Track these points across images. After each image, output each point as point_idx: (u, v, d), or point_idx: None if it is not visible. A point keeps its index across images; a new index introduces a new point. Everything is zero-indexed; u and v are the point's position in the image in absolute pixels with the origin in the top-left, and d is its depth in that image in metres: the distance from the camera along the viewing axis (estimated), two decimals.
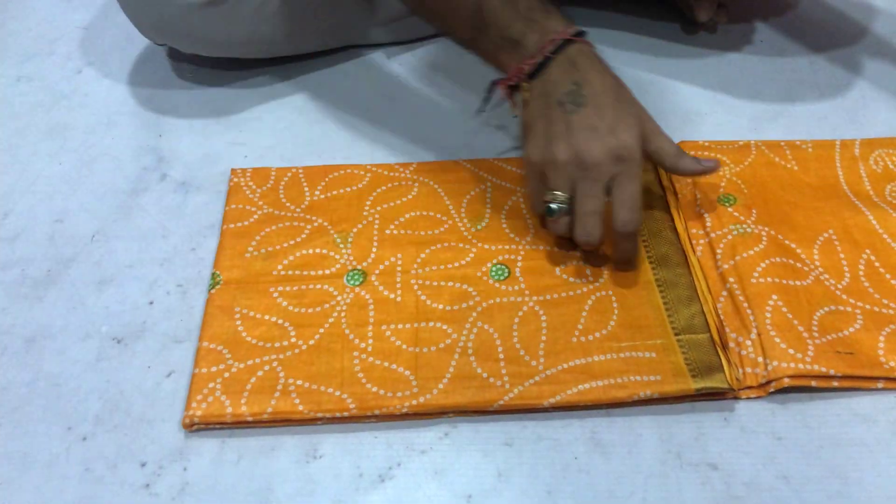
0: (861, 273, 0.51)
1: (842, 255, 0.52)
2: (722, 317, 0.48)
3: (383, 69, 0.69)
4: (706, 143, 0.59)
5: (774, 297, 0.49)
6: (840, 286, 0.50)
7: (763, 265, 0.51)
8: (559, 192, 0.47)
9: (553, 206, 0.47)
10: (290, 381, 0.46)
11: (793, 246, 0.52)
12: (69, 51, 0.72)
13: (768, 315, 0.48)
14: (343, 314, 0.49)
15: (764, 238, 0.53)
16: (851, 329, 0.47)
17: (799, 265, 0.51)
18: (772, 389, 0.45)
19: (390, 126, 0.63)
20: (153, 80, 0.68)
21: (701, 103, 0.65)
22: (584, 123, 0.45)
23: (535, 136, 0.48)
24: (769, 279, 0.50)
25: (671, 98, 0.65)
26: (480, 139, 0.62)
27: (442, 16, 0.52)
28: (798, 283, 0.50)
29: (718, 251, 0.52)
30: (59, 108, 0.66)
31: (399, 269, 0.52)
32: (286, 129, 0.63)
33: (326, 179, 0.57)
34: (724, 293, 0.50)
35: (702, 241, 0.53)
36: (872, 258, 0.52)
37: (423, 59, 0.70)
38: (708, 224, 0.54)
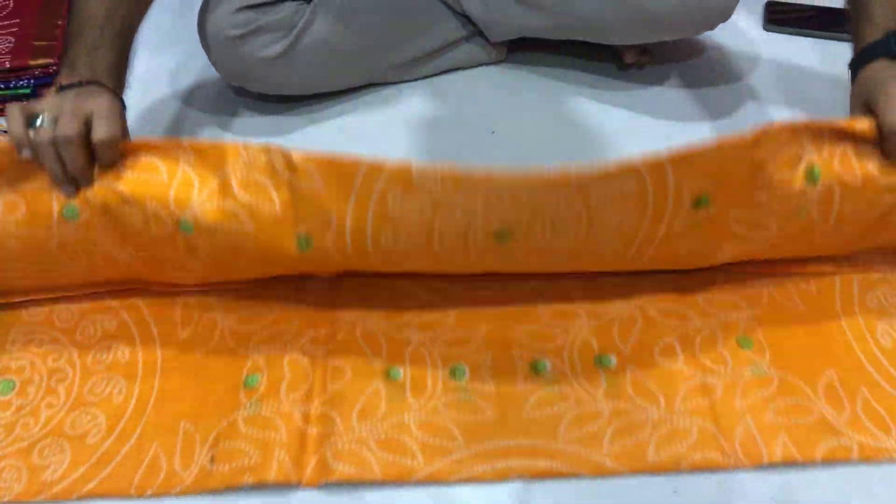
0: (859, 409, 0.58)
1: (842, 394, 0.59)
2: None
3: (393, 99, 0.92)
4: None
5: (783, 434, 0.57)
6: (842, 420, 0.58)
7: (774, 405, 0.59)
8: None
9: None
10: None
11: (800, 384, 0.60)
12: (160, 87, 0.93)
13: (777, 450, 0.56)
14: None
15: (775, 380, 0.60)
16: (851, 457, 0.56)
17: (804, 402, 0.59)
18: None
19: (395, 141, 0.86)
20: (223, 110, 0.90)
21: (628, 125, 0.86)
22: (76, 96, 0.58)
23: None
24: (780, 418, 0.58)
25: (605, 121, 0.87)
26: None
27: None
28: (803, 420, 0.58)
29: (738, 391, 0.59)
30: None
31: None
32: (325, 144, 0.86)
33: None
34: (741, 426, 0.57)
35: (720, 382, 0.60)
36: (868, 396, 0.59)
37: (422, 92, 0.93)
38: (729, 363, 0.61)
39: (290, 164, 0.56)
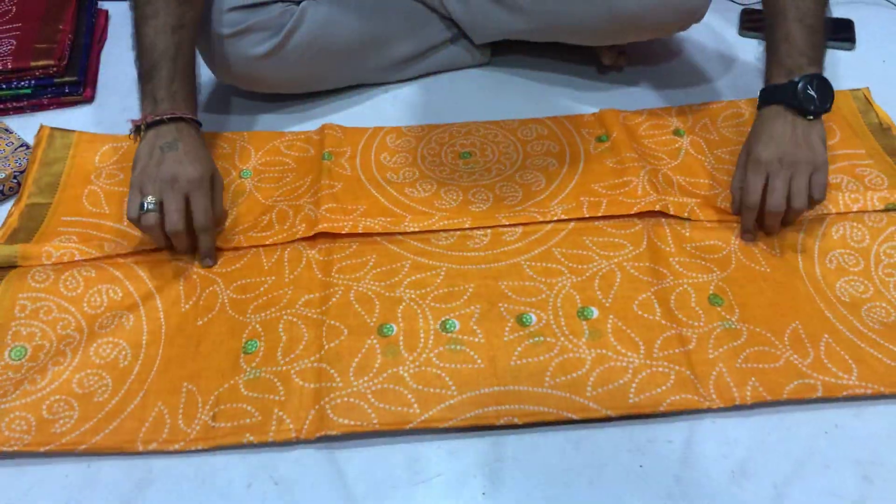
0: (822, 354, 0.62)
1: (806, 341, 0.64)
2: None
3: (380, 100, 0.95)
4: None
5: (753, 378, 0.61)
6: (805, 363, 0.62)
7: (745, 353, 0.63)
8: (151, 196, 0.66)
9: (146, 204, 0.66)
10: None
11: (767, 335, 0.64)
12: None
13: (748, 392, 0.60)
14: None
15: (744, 332, 0.64)
16: (815, 395, 0.60)
17: (771, 350, 0.63)
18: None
19: None
20: (215, 109, 0.94)
21: None
22: (173, 158, 0.67)
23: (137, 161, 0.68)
24: (749, 364, 0.62)
25: None
26: None
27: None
28: (771, 365, 0.62)
29: (710, 342, 0.63)
30: None
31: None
32: None
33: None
34: (714, 372, 0.61)
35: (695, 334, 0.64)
36: (830, 341, 0.63)
37: (408, 92, 0.97)
38: (702, 318, 0.65)
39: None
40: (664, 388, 0.60)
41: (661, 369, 0.61)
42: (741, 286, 0.68)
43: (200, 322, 0.65)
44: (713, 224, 0.73)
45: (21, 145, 0.84)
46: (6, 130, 0.86)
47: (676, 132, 0.85)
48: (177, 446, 0.57)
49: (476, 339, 0.63)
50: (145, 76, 0.70)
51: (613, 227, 0.72)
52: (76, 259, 0.69)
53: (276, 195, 0.78)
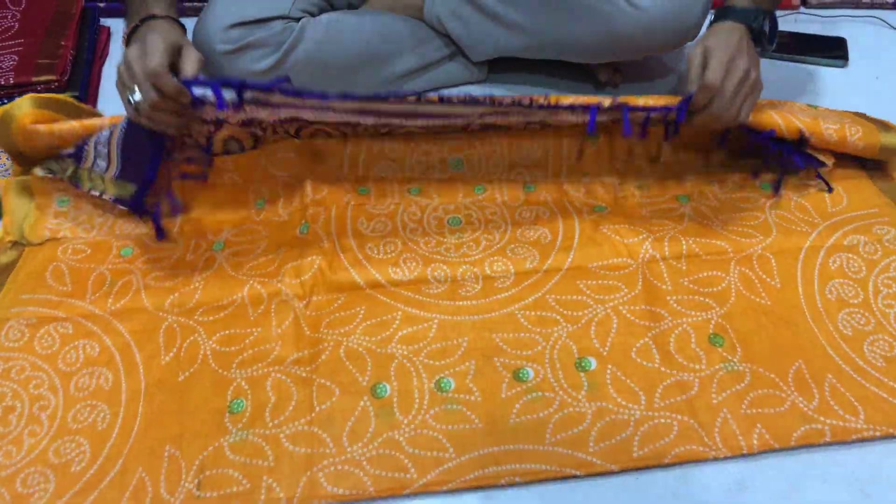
0: (827, 395, 0.61)
1: (811, 382, 0.62)
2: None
3: None
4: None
5: (759, 424, 0.60)
6: (811, 406, 0.61)
7: (749, 398, 0.61)
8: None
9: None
10: None
11: (771, 376, 0.63)
12: None
13: (755, 440, 0.59)
14: None
15: (748, 374, 0.63)
16: (824, 440, 0.59)
17: (776, 392, 0.62)
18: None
19: None
20: None
21: None
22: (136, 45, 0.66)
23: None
24: (755, 410, 0.60)
25: None
26: None
27: None
28: (777, 409, 0.61)
29: (713, 387, 0.62)
30: None
31: None
32: None
33: None
34: (719, 419, 0.60)
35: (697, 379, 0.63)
36: (834, 381, 0.62)
37: None
38: (703, 360, 0.64)
39: None
40: (668, 439, 0.58)
41: (663, 420, 0.60)
42: (741, 323, 0.67)
43: (182, 377, 0.63)
44: (710, 256, 0.72)
45: None
46: None
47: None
48: None
49: (472, 398, 0.61)
50: (127, 8, 0.71)
51: (607, 270, 0.71)
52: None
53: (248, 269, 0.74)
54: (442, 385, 0.62)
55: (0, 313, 0.68)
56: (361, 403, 0.61)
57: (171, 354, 0.65)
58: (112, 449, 0.58)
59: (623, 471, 0.57)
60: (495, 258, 0.73)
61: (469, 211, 0.78)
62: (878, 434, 0.59)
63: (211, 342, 0.65)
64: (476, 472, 0.57)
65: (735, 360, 0.64)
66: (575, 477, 0.57)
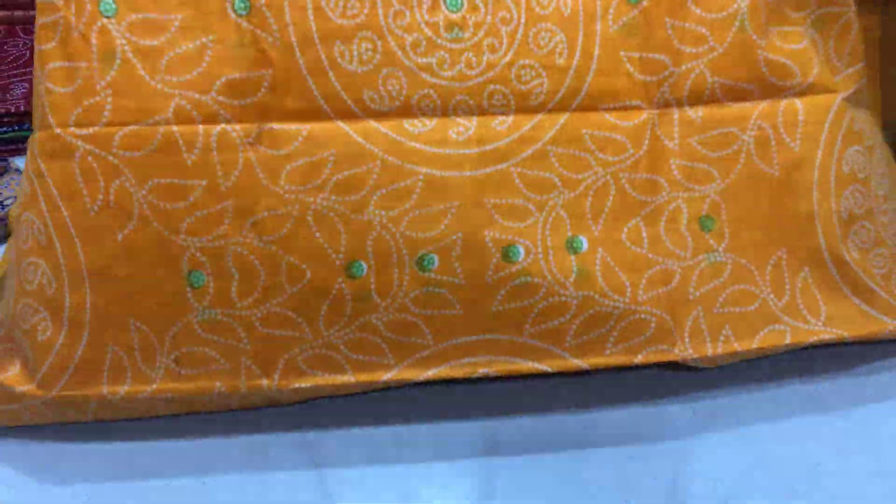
0: (797, 291, 0.60)
1: (786, 276, 0.61)
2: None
3: None
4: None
5: (727, 326, 0.60)
6: (780, 304, 0.61)
7: (724, 294, 0.60)
8: None
9: None
10: None
11: (751, 268, 0.61)
12: None
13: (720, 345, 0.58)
14: None
15: (728, 267, 0.61)
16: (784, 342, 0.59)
17: (751, 288, 0.61)
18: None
19: None
20: None
21: None
22: None
23: None
24: (727, 309, 0.60)
25: None
26: None
27: None
28: (747, 308, 0.60)
29: (693, 280, 0.60)
30: None
31: None
32: None
33: None
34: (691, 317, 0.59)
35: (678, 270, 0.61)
36: (808, 277, 0.61)
37: None
38: (689, 248, 0.61)
39: None
40: (643, 337, 0.57)
41: (643, 315, 0.57)
42: (738, 201, 0.61)
43: (120, 235, 0.52)
44: (732, 105, 0.62)
45: None
46: (17, 171, 0.89)
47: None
48: (147, 391, 0.51)
49: (456, 281, 0.55)
50: None
51: (617, 117, 0.61)
52: None
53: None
54: (424, 262, 0.55)
55: None
56: (336, 286, 0.54)
57: (99, 203, 0.52)
58: (72, 322, 0.52)
59: (595, 372, 0.57)
60: (496, 85, 0.59)
61: None
62: (833, 337, 0.59)
63: (144, 193, 0.52)
64: (451, 363, 0.55)
65: (720, 249, 0.60)
66: (545, 374, 0.56)
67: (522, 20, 0.60)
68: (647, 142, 0.63)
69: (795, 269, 0.62)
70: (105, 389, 0.51)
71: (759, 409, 0.63)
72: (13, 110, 0.93)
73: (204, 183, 0.53)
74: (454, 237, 0.56)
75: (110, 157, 0.53)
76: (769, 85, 0.64)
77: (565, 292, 0.57)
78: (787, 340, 0.58)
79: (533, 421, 0.61)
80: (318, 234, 0.54)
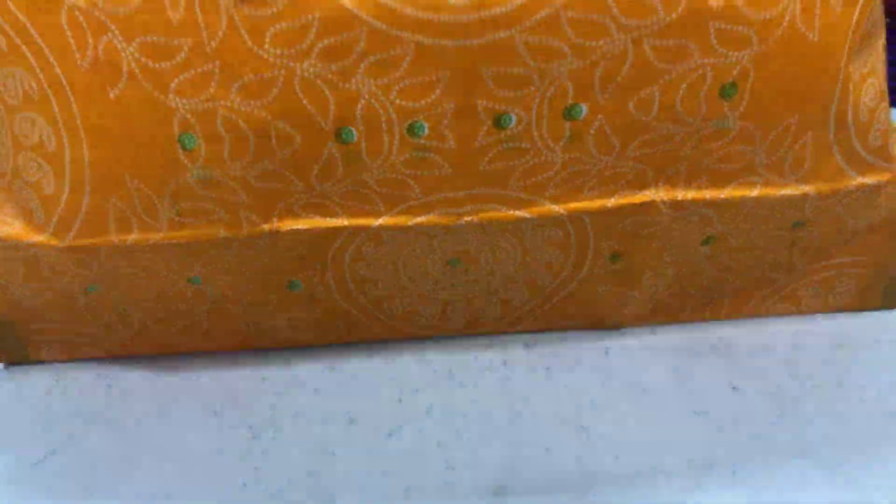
0: (790, 151, 0.60)
1: (789, 139, 0.60)
2: None
3: None
4: None
5: (706, 176, 0.61)
6: (766, 161, 0.61)
7: (718, 154, 0.59)
8: None
9: None
10: None
11: (755, 134, 0.59)
12: None
13: (692, 189, 0.60)
14: None
15: (733, 132, 0.59)
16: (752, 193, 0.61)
17: (744, 150, 0.60)
18: None
19: None
20: None
21: None
22: None
23: None
24: (713, 164, 0.60)
25: None
26: None
27: None
28: (730, 166, 0.61)
29: (691, 142, 0.59)
30: None
31: None
32: None
33: None
34: (674, 168, 0.60)
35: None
36: (809, 139, 0.60)
37: None
38: (701, 114, 0.57)
39: None
40: (620, 183, 0.59)
41: (624, 168, 0.59)
42: (769, 66, 0.57)
43: (112, 93, 0.53)
44: None
45: None
46: None
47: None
48: (154, 239, 0.56)
49: (446, 146, 0.57)
50: None
51: None
52: None
53: None
54: (415, 129, 0.57)
55: None
56: (326, 150, 0.56)
57: (89, 59, 0.53)
58: (73, 176, 0.56)
59: (570, 214, 0.60)
60: None
61: None
62: (798, 193, 0.61)
63: (132, 50, 0.53)
64: (438, 211, 0.59)
65: (733, 116, 0.58)
66: (524, 220, 0.60)
67: None
68: (684, 2, 0.54)
69: (799, 134, 0.61)
70: (115, 238, 0.54)
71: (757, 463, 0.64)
72: None
73: (190, 42, 0.53)
74: (446, 106, 0.55)
75: (96, 13, 0.52)
76: None
77: (552, 155, 0.58)
78: (756, 192, 0.60)
79: (539, 471, 0.61)
80: (305, 101, 0.54)
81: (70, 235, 0.55)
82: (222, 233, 0.56)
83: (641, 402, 0.65)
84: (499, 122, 0.57)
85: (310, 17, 0.53)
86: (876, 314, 0.75)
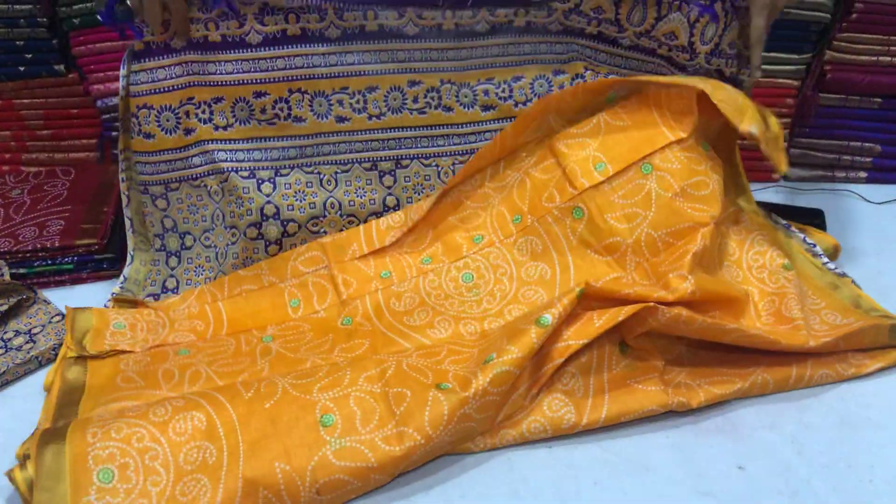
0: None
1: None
2: None
3: None
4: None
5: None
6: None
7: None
8: None
9: None
10: None
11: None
12: None
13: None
14: None
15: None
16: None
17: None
18: None
19: None
20: None
21: None
22: None
23: None
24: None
25: None
26: None
27: None
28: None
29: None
30: None
31: None
32: None
33: None
34: None
35: None
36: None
37: None
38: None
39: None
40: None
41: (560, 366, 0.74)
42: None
43: (268, 405, 0.68)
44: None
45: (57, 314, 0.90)
46: (45, 302, 0.92)
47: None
48: None
49: (513, 357, 0.69)
50: None
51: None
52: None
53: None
54: (488, 358, 0.71)
55: (84, 415, 0.73)
56: (431, 395, 0.68)
57: (251, 393, 0.69)
58: (227, 476, 0.63)
59: None
60: (511, 306, 0.86)
61: (477, 263, 0.91)
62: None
63: (287, 379, 0.72)
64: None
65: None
66: None
67: None
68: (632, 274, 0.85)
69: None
70: None
71: None
72: (49, 245, 0.96)
73: (328, 372, 0.74)
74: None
75: (264, 375, 0.78)
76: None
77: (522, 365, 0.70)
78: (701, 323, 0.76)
79: None
80: (411, 371, 0.73)
81: None
82: (354, 495, 0.67)
83: (645, 481, 0.66)
84: (539, 321, 0.72)
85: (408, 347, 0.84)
86: (881, 393, 0.74)
